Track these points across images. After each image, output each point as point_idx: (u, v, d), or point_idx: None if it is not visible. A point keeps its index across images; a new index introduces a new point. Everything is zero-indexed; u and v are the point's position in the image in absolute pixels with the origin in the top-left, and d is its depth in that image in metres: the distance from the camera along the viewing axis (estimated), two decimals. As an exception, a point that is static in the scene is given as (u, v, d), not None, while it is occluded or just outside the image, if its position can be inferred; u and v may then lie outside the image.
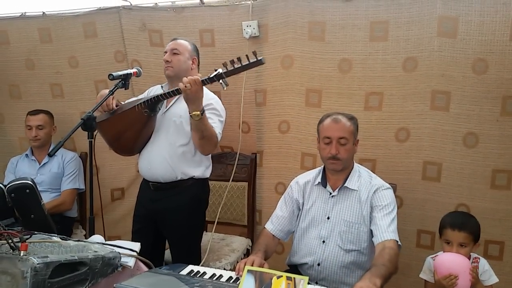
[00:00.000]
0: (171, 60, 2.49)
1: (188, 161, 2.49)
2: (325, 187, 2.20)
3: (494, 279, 2.02)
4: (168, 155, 2.45)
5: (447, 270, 1.91)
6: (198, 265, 2.48)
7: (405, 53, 2.53)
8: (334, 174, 2.19)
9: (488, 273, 2.02)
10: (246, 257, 1.97)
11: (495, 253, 2.53)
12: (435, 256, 2.10)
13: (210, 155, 2.60)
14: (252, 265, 1.80)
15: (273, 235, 2.25)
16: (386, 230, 2.01)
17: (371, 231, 2.09)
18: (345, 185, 2.15)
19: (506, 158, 2.46)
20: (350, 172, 2.19)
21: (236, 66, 2.18)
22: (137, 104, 2.36)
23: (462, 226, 2.01)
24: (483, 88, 2.42)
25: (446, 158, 2.56)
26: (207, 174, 2.60)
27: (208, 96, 2.47)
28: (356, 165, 2.24)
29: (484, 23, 2.35)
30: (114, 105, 2.45)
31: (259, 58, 2.15)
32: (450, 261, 1.95)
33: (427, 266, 2.12)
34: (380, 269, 1.80)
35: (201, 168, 2.54)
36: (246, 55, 2.16)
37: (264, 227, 2.30)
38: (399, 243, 2.01)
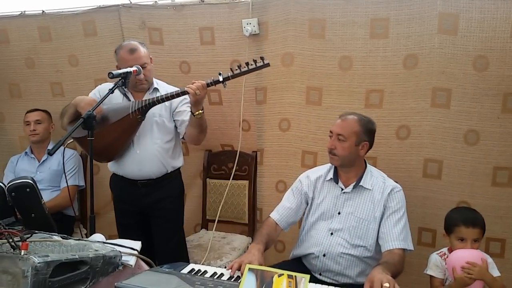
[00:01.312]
0: (145, 75, 2.51)
1: (173, 155, 2.62)
2: (337, 183, 2.25)
3: (495, 273, 2.00)
4: (159, 154, 2.54)
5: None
6: (187, 254, 2.68)
7: (406, 51, 2.52)
8: (345, 172, 2.24)
9: (490, 265, 2.00)
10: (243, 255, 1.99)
11: (496, 251, 2.53)
12: (441, 253, 2.11)
13: None
14: None
15: (277, 224, 2.29)
16: (397, 238, 2.08)
17: (379, 232, 2.14)
18: (360, 184, 2.20)
19: (507, 155, 2.45)
20: (363, 172, 2.23)
21: (242, 69, 2.31)
22: (132, 112, 2.38)
23: (475, 222, 2.01)
24: (484, 85, 2.41)
25: (447, 155, 2.56)
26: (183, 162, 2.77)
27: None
28: (368, 166, 2.28)
29: (484, 20, 2.34)
30: (101, 109, 2.40)
31: (266, 62, 2.31)
32: (469, 256, 1.95)
33: (433, 262, 2.11)
34: (390, 266, 1.89)
35: (181, 158, 2.71)
36: (254, 60, 2.29)
37: (269, 216, 2.33)
38: (410, 247, 2.10)
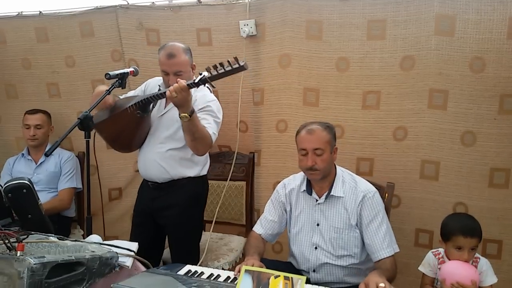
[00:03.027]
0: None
1: (181, 163, 2.50)
2: (311, 194, 2.21)
3: (491, 280, 2.00)
4: (160, 159, 2.47)
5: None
6: (196, 263, 2.54)
7: (403, 52, 2.52)
8: (318, 182, 2.19)
9: (484, 273, 2.01)
10: (243, 258, 1.98)
11: (493, 252, 2.53)
12: (436, 252, 2.11)
13: (208, 153, 2.60)
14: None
15: (263, 238, 2.27)
16: (381, 246, 2.06)
17: (363, 241, 2.13)
18: (331, 193, 2.15)
19: (504, 156, 2.46)
20: (334, 179, 2.19)
21: (219, 71, 2.12)
22: (129, 106, 2.36)
23: (474, 232, 1.98)
24: (480, 86, 2.42)
25: (444, 156, 2.56)
26: (204, 172, 2.62)
27: (206, 98, 2.46)
28: (339, 170, 2.23)
29: (481, 22, 2.35)
30: (111, 101, 2.41)
31: (241, 64, 2.08)
32: (462, 275, 1.92)
33: (427, 260, 2.12)
34: (384, 271, 1.92)
35: (196, 168, 2.55)
36: (228, 61, 2.09)
37: (253, 230, 2.32)
38: (396, 250, 2.08)
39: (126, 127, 2.43)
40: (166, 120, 2.48)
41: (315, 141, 2.10)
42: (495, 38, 2.34)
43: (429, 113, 2.54)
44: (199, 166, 2.57)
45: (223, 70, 2.11)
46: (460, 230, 1.98)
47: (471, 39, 2.38)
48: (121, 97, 2.58)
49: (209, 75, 2.13)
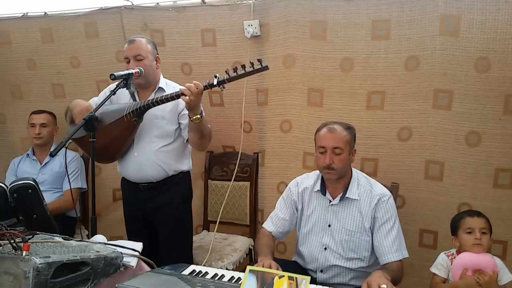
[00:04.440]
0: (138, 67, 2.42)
1: (176, 158, 2.54)
2: (325, 195, 2.20)
3: (508, 278, 2.01)
4: (156, 158, 2.47)
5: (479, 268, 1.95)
6: (191, 259, 2.61)
7: (407, 52, 2.52)
8: (332, 183, 2.18)
9: (501, 272, 2.00)
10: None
11: (498, 253, 2.51)
12: (449, 253, 2.11)
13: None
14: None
15: (273, 235, 2.27)
16: (390, 251, 2.05)
17: (373, 244, 2.12)
18: (346, 195, 2.14)
19: (509, 157, 2.45)
20: (349, 181, 2.17)
21: (239, 72, 2.18)
22: (126, 114, 2.34)
23: (480, 213, 2.09)
24: (485, 86, 2.41)
25: (449, 157, 2.56)
26: (191, 165, 2.68)
27: None
28: (354, 172, 2.22)
29: (486, 22, 2.34)
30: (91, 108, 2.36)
31: (264, 65, 2.17)
32: (483, 261, 1.95)
33: (439, 261, 2.12)
34: (390, 272, 1.90)
35: (187, 161, 2.63)
36: (251, 62, 2.16)
37: (263, 227, 2.32)
38: (405, 255, 2.07)
39: (120, 136, 2.41)
40: (149, 119, 2.46)
41: (336, 139, 2.09)
42: (500, 38, 2.34)
43: (434, 113, 2.54)
44: (188, 159, 2.64)
45: (243, 72, 2.18)
46: (467, 213, 2.12)
47: (476, 39, 2.38)
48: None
49: (227, 76, 2.19)
